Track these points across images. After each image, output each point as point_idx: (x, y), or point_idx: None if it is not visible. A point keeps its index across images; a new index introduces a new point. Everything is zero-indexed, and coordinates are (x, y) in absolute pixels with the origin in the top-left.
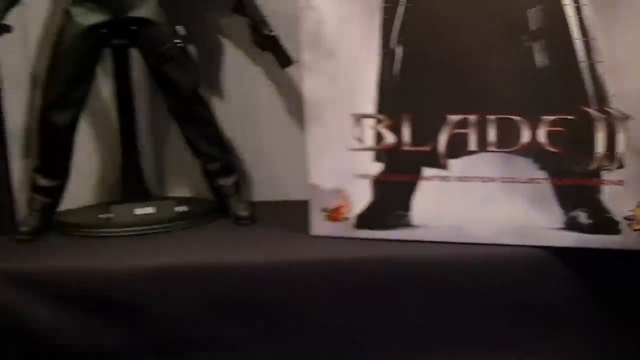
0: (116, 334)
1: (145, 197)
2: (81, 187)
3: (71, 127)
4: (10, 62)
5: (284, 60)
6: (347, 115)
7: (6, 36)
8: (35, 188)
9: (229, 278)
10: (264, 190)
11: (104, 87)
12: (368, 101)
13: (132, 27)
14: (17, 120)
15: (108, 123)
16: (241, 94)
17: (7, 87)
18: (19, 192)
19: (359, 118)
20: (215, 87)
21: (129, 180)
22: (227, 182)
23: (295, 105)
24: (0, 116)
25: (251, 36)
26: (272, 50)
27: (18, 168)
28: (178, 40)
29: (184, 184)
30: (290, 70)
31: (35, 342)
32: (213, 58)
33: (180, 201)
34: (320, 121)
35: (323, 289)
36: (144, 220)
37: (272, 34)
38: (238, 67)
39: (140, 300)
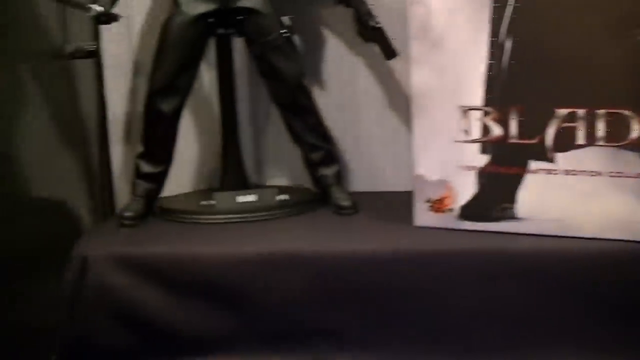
0: (220, 320)
1: (244, 185)
2: (180, 174)
3: (176, 115)
4: (113, 51)
5: (389, 52)
6: (454, 107)
7: (110, 25)
8: (139, 174)
9: (334, 267)
10: (361, 180)
11: (205, 75)
12: (475, 93)
13: (239, 17)
14: (118, 107)
15: (208, 111)
16: (341, 84)
17: (109, 75)
18: (117, 178)
19: (466, 110)
20: (316, 77)
21: (228, 168)
22: (329, 171)
23: (394, 96)
24: (102, 103)
25: (355, 27)
26: (377, 42)
27: (118, 154)
28: (284, 30)
29: (282, 173)
30: (391, 61)
31: (141, 325)
32: (314, 48)
33: (281, 190)
34: (427, 113)
35: (427, 280)
36: (246, 207)
37: (378, 25)
38: (338, 58)
39: (245, 287)
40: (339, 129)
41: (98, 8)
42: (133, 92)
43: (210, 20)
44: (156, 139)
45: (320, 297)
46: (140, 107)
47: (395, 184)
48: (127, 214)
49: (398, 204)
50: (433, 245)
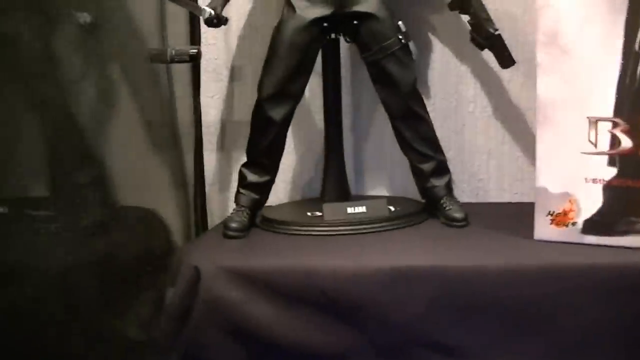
0: (338, 335)
1: (346, 195)
2: (276, 183)
3: (286, 122)
4: (210, 55)
5: (507, 60)
6: (581, 118)
7: (207, 29)
8: (244, 184)
9: (457, 281)
10: (463, 191)
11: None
12: (605, 104)
13: (355, 22)
14: (212, 113)
15: (307, 119)
16: (446, 92)
17: (204, 80)
18: (210, 186)
19: (595, 121)
20: (420, 84)
21: (330, 178)
22: (440, 182)
23: (500, 106)
24: (197, 109)
25: (471, 34)
26: (494, 50)
27: (211, 161)
28: (400, 36)
29: (381, 183)
30: (498, 70)
31: (254, 341)
32: (419, 54)
33: (390, 201)
34: (553, 123)
35: (551, 295)
36: (356, 219)
37: (497, 32)
38: (444, 65)
39: (365, 302)
40: (443, 138)
41: (209, 10)
42: (228, 98)
43: (325, 24)
44: (264, 147)
45: (443, 312)
46: (235, 114)
47: (498, 195)
48: (233, 225)
49: (507, 216)
50: (555, 259)
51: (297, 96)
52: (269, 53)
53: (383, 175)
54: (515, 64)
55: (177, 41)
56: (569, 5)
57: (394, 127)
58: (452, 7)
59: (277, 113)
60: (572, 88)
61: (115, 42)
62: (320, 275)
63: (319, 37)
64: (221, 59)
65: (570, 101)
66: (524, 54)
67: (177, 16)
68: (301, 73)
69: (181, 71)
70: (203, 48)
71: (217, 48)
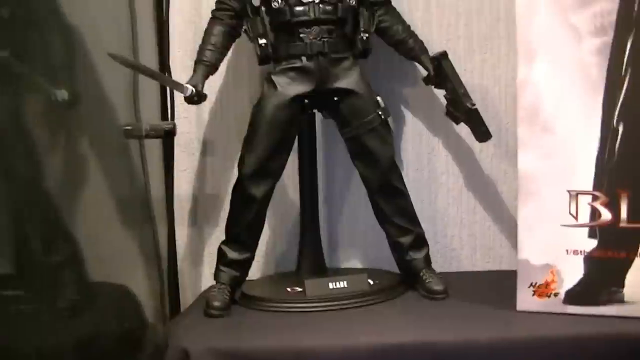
0: None
1: (322, 268)
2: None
3: (266, 199)
4: (182, 129)
5: (483, 134)
6: (562, 192)
7: (180, 104)
8: (225, 262)
9: (448, 356)
10: (436, 260)
11: None
12: (585, 177)
13: (335, 98)
14: (184, 187)
15: (282, 191)
16: (420, 163)
17: (177, 153)
18: (182, 261)
19: (575, 194)
20: (396, 155)
21: (306, 252)
22: (419, 255)
23: (472, 176)
24: (169, 183)
25: (447, 108)
26: (471, 124)
27: (182, 236)
28: (380, 112)
29: (356, 255)
30: (469, 142)
31: None
32: (394, 126)
33: (368, 273)
34: (534, 197)
35: None
36: (338, 294)
37: (474, 107)
38: (417, 136)
39: None
40: (416, 209)
41: (191, 87)
42: (200, 172)
43: (306, 101)
44: (245, 224)
45: None
46: (208, 188)
47: (471, 264)
48: (216, 303)
49: (485, 286)
50: (544, 331)
51: (278, 173)
52: (249, 130)
53: (357, 247)
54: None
55: (150, 115)
56: (548, 81)
57: (373, 202)
58: (427, 82)
59: (258, 190)
60: (552, 163)
61: (88, 118)
62: (312, 356)
63: (299, 114)
64: (193, 132)
65: (551, 175)
66: (495, 125)
67: (150, 90)
68: (282, 150)
69: (153, 145)
70: (176, 122)
71: (189, 121)
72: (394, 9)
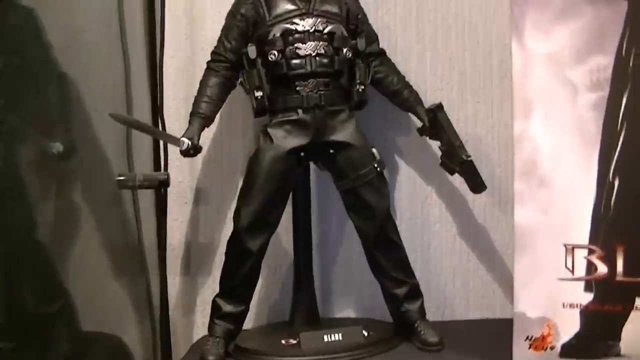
0: None
1: (315, 319)
2: None
3: (262, 252)
4: (174, 177)
5: (478, 185)
6: (558, 245)
7: (173, 153)
8: (219, 315)
9: None
10: (429, 309)
11: None
12: (581, 231)
13: (331, 151)
14: (177, 236)
15: (275, 240)
16: (413, 212)
17: (169, 202)
18: (173, 310)
19: (571, 248)
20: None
21: (300, 302)
22: (413, 306)
23: (465, 225)
24: (162, 232)
25: (442, 159)
26: (466, 175)
27: (174, 285)
28: (376, 164)
29: (349, 304)
30: (462, 191)
31: None
32: (388, 176)
33: (365, 324)
34: (530, 250)
35: None
36: (333, 347)
37: (469, 158)
38: (410, 186)
39: None
40: (410, 256)
41: (187, 141)
42: (193, 221)
43: (302, 154)
44: (240, 277)
45: None
46: (200, 238)
47: (463, 313)
48: (210, 358)
49: (478, 336)
50: None
51: (274, 225)
52: (245, 182)
53: (351, 295)
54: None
55: (143, 163)
56: (545, 136)
57: (368, 254)
58: (422, 133)
59: (254, 244)
60: (549, 216)
61: (81, 169)
62: None
63: (295, 166)
64: (186, 181)
65: (547, 229)
66: (488, 174)
67: (142, 138)
68: (279, 202)
69: (146, 194)
70: (169, 171)
71: (181, 170)
72: (389, 59)
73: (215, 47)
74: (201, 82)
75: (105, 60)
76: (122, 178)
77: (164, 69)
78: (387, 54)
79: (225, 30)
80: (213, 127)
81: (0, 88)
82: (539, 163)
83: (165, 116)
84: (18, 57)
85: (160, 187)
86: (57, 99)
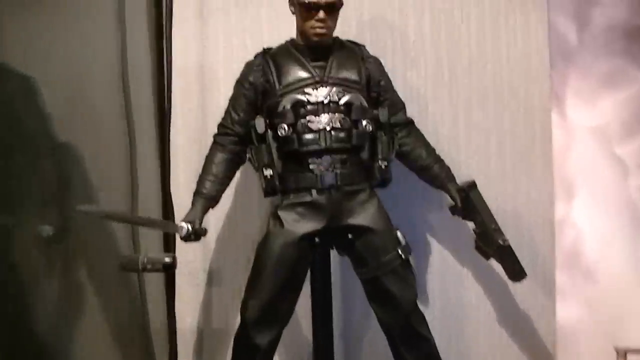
0: None
1: None
2: None
3: (272, 347)
4: (185, 257)
5: (517, 272)
6: (607, 348)
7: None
8: None
9: None
10: None
11: None
12: (635, 332)
13: (349, 235)
14: (188, 320)
15: (294, 325)
16: (447, 297)
17: (180, 283)
18: None
19: (624, 353)
20: (419, 289)
21: None
22: None
23: (502, 311)
24: (171, 315)
25: (477, 242)
26: (503, 261)
27: None
28: (400, 250)
29: None
30: (500, 273)
31: None
32: (418, 257)
33: None
34: (574, 352)
35: None
36: None
37: (506, 243)
38: (444, 269)
39: None
40: (443, 343)
41: (187, 225)
42: (206, 304)
43: (316, 239)
44: None
45: None
46: (214, 322)
47: None
48: None
49: None
50: None
51: (285, 318)
52: (253, 271)
53: None
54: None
55: (150, 244)
56: (590, 221)
57: (393, 348)
58: (454, 212)
59: (263, 339)
60: (595, 314)
61: (82, 249)
62: None
63: (308, 253)
64: (198, 261)
65: (593, 329)
66: (530, 257)
67: (150, 215)
68: (290, 293)
69: (154, 274)
70: (178, 249)
71: (193, 249)
72: (417, 130)
73: (223, 118)
74: (206, 158)
75: (108, 129)
76: (124, 260)
77: (174, 139)
78: (416, 122)
79: (233, 100)
80: (227, 202)
81: None
82: (584, 253)
83: (175, 191)
84: (11, 129)
85: (165, 271)
86: (53, 175)
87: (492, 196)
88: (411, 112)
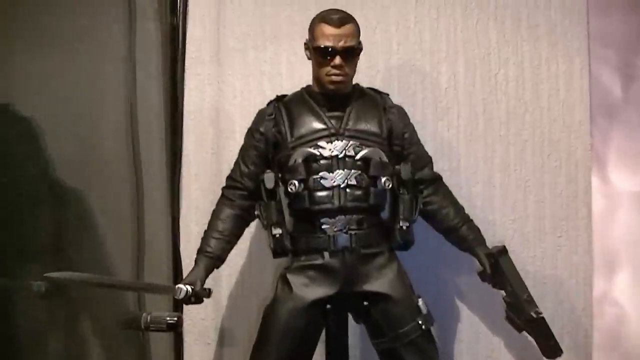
0: None
1: None
2: None
3: None
4: (195, 314)
5: (551, 348)
6: None
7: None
8: None
9: None
10: None
11: None
12: None
13: (365, 302)
14: None
15: None
16: None
17: (189, 343)
18: None
19: None
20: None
21: None
22: None
23: None
24: None
25: (508, 313)
26: (536, 336)
27: None
28: (420, 321)
29: None
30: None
31: None
32: (444, 323)
33: None
34: None
35: None
36: None
37: (539, 316)
38: (472, 340)
39: None
40: None
41: (186, 287)
42: None
43: (328, 306)
44: None
45: None
46: None
47: None
48: None
49: None
50: None
51: None
52: (259, 338)
53: None
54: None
55: (159, 300)
56: (633, 300)
57: None
58: (483, 278)
59: None
60: None
61: (85, 305)
62: None
63: (320, 320)
64: (209, 319)
65: None
66: (568, 332)
67: (160, 264)
68: None
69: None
70: (188, 306)
71: (204, 307)
72: (445, 187)
73: (232, 170)
74: (213, 213)
75: (117, 176)
76: (127, 318)
77: (186, 188)
78: (447, 177)
79: (243, 150)
80: (241, 258)
81: None
82: (624, 334)
83: (187, 245)
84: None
85: (169, 331)
86: (56, 223)
87: (528, 260)
88: (442, 167)
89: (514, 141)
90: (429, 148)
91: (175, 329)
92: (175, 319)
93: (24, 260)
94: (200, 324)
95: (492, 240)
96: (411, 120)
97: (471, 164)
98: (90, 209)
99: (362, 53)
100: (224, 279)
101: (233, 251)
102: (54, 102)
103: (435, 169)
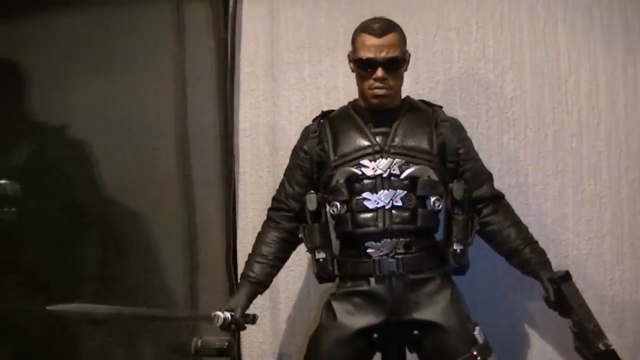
0: None
1: None
2: None
3: None
4: (253, 337)
5: None
6: None
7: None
8: None
9: None
10: None
11: None
12: None
13: (415, 332)
14: None
15: None
16: None
17: None
18: None
19: None
20: None
21: None
22: None
23: None
24: None
25: (576, 343)
26: None
27: None
28: (476, 352)
29: None
30: None
31: None
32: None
33: None
34: None
35: None
36: None
37: (609, 348)
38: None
39: None
40: None
41: (224, 315)
42: None
43: (375, 335)
44: None
45: None
46: None
47: None
48: None
49: None
50: None
51: None
52: None
53: None
54: None
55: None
56: None
57: None
58: (549, 305)
59: None
60: None
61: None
62: None
63: (366, 351)
64: (267, 342)
65: None
66: None
67: (216, 283)
68: None
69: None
70: (247, 329)
71: (263, 330)
72: (507, 206)
73: (277, 191)
74: (258, 236)
75: (171, 196)
76: (177, 343)
77: (242, 208)
78: (514, 194)
79: (289, 170)
80: (299, 279)
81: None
82: None
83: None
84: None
85: (220, 356)
86: (109, 246)
87: (605, 283)
88: (508, 183)
89: (587, 154)
90: (494, 162)
91: (227, 355)
92: (226, 344)
93: (77, 284)
94: (259, 347)
95: (564, 262)
96: (475, 133)
97: (540, 180)
98: (145, 232)
99: (421, 62)
100: (282, 302)
101: (291, 273)
102: (109, 123)
103: (501, 185)
